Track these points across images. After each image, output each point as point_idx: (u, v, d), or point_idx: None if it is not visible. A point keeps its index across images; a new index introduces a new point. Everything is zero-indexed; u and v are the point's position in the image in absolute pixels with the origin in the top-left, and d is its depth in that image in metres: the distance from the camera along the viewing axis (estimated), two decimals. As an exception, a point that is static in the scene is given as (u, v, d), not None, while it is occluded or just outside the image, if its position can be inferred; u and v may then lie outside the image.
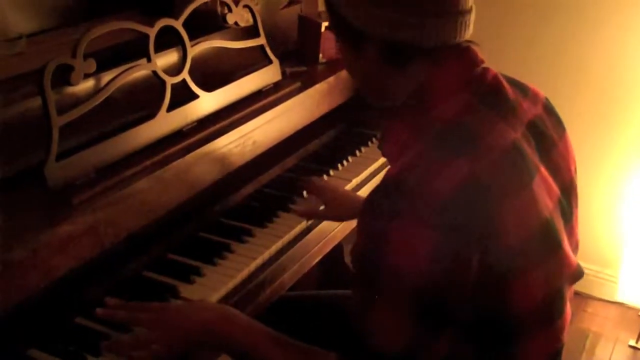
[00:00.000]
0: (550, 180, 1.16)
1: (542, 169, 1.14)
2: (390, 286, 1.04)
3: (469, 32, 1.14)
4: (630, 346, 2.74)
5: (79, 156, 1.35)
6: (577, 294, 2.83)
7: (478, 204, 1.02)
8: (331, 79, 1.97)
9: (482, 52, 1.17)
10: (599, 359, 2.66)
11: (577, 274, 1.23)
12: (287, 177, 1.88)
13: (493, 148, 1.07)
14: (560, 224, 1.15)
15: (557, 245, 1.13)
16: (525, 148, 1.12)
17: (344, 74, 2.00)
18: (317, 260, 1.73)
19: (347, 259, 2.53)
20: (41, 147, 1.34)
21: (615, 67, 2.64)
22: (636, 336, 2.74)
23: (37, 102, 1.39)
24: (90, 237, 1.30)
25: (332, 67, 2.04)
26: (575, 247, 1.26)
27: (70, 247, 1.26)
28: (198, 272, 1.47)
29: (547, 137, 1.20)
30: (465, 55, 1.14)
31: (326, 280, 2.39)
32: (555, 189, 1.17)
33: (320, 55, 2.06)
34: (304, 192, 1.78)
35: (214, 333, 1.25)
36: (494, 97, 1.14)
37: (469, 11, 1.12)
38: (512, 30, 2.74)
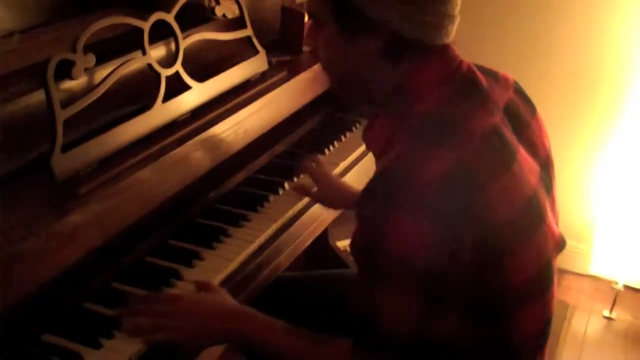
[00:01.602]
0: (529, 158, 1.23)
1: (521, 149, 1.22)
2: (394, 271, 1.10)
3: (453, 35, 1.21)
4: (605, 317, 2.86)
5: (82, 148, 1.39)
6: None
7: (466, 188, 1.09)
8: (315, 67, 2.02)
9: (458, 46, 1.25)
10: (575, 329, 2.77)
11: (561, 244, 1.32)
12: (277, 163, 1.94)
13: (475, 135, 1.14)
14: (543, 198, 1.23)
15: (542, 219, 1.21)
16: (504, 131, 1.19)
17: (327, 62, 2.06)
18: (309, 241, 1.80)
19: (332, 242, 2.60)
20: (41, 141, 1.39)
21: (581, 52, 2.76)
22: (610, 307, 2.86)
23: (35, 97, 1.44)
24: (96, 225, 1.35)
25: (315, 56, 2.09)
26: (556, 218, 1.34)
27: (78, 235, 1.31)
28: (198, 256, 1.53)
29: (521, 118, 1.27)
30: (446, 52, 1.22)
31: (312, 262, 2.46)
32: (535, 165, 1.25)
33: (304, 44, 2.11)
34: (300, 175, 1.84)
35: (235, 330, 1.32)
36: (470, 87, 1.21)
37: (456, 17, 1.20)
38: (486, 22, 2.84)
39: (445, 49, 1.21)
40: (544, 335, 1.29)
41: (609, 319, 2.85)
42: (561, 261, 2.89)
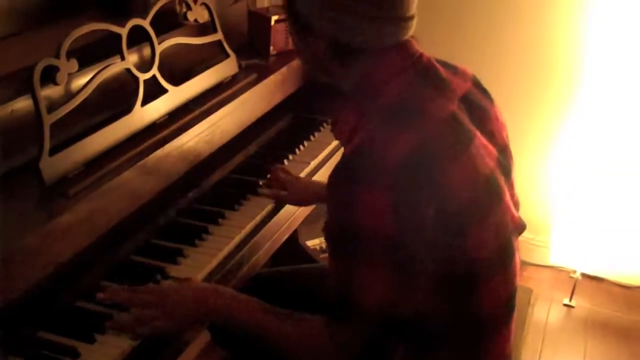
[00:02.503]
0: (487, 143, 1.33)
1: (478, 134, 1.31)
2: (363, 246, 1.19)
3: (410, 33, 1.29)
4: (565, 304, 2.97)
5: (68, 151, 1.44)
6: (513, 260, 3.05)
7: (426, 167, 1.18)
8: (284, 69, 2.09)
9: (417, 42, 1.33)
10: (537, 317, 2.88)
11: (521, 227, 1.43)
12: (250, 163, 2.00)
13: (434, 119, 1.24)
14: (501, 180, 1.33)
15: (500, 197, 1.31)
16: (461, 117, 1.29)
17: (294, 64, 2.13)
18: (285, 237, 1.86)
19: (302, 240, 2.67)
20: (28, 145, 1.43)
21: (531, 47, 2.90)
22: (569, 295, 2.97)
23: (19, 103, 1.48)
24: (86, 225, 1.39)
25: (283, 59, 2.16)
26: (516, 203, 1.43)
27: (69, 234, 1.35)
28: (182, 254, 1.58)
29: (479, 107, 1.37)
30: (403, 47, 1.30)
31: (283, 261, 2.52)
32: (493, 150, 1.34)
33: (272, 47, 2.17)
34: (268, 175, 1.90)
35: (209, 306, 1.38)
36: (429, 77, 1.31)
37: (412, 17, 1.28)
38: (441, 20, 2.95)
39: (401, 46, 1.29)
40: (509, 308, 1.39)
41: (568, 306, 2.96)
42: (521, 253, 3.04)
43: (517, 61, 2.94)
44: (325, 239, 1.29)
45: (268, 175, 1.90)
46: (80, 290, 1.43)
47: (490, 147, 1.34)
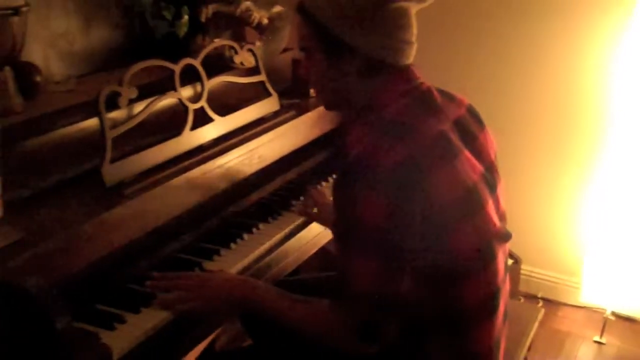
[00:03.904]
0: (474, 160, 1.57)
1: (466, 152, 1.56)
2: (359, 236, 1.45)
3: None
4: (595, 341, 3.11)
5: (126, 161, 1.76)
6: (547, 300, 3.25)
7: (414, 175, 1.43)
8: (321, 108, 2.39)
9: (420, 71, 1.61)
10: (568, 353, 3.04)
11: (505, 235, 1.64)
12: (286, 187, 2.30)
13: (425, 136, 1.50)
14: (484, 192, 1.56)
15: (481, 206, 1.54)
16: (450, 136, 1.54)
17: (331, 105, 2.43)
18: (312, 251, 2.13)
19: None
20: (93, 157, 1.75)
21: (562, 91, 3.13)
22: (599, 333, 3.12)
23: (87, 124, 1.82)
24: (137, 220, 1.70)
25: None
26: (502, 215, 1.66)
27: (122, 226, 1.66)
28: (218, 253, 1.87)
29: (469, 131, 1.63)
30: (407, 72, 1.58)
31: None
32: (479, 166, 1.58)
33: (311, 90, 2.48)
34: (301, 197, 2.19)
35: (238, 293, 1.66)
36: (425, 101, 1.58)
37: (414, 42, 1.57)
38: (478, 67, 3.22)
39: (406, 70, 1.57)
40: (491, 304, 1.59)
41: (599, 343, 3.10)
42: (555, 293, 3.22)
43: (547, 103, 3.16)
44: (333, 234, 1.56)
45: (301, 197, 2.18)
46: (133, 275, 1.72)
47: (477, 163, 1.58)
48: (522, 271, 3.22)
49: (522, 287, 3.26)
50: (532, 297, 3.28)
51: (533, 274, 3.34)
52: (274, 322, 1.63)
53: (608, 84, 3.04)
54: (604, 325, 3.11)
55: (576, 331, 3.18)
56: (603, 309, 3.19)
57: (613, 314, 3.17)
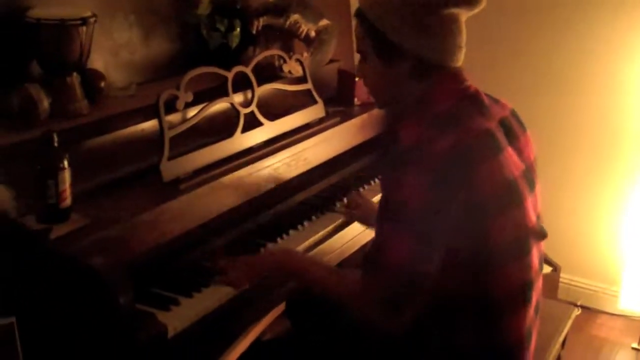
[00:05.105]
0: (515, 157, 1.67)
1: (509, 149, 1.65)
2: (400, 217, 1.55)
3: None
4: (633, 348, 3.17)
5: (182, 159, 1.92)
6: (586, 308, 3.31)
7: (459, 164, 1.53)
8: (364, 115, 2.54)
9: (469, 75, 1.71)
10: (605, 359, 3.09)
11: (541, 233, 1.73)
12: (330, 189, 2.44)
13: (472, 130, 1.60)
14: (524, 188, 1.65)
15: (520, 201, 1.63)
16: (496, 133, 1.64)
17: (375, 112, 2.57)
18: (354, 249, 2.26)
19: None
20: (152, 154, 1.91)
21: (613, 93, 3.19)
22: (637, 340, 3.17)
23: (147, 125, 1.99)
24: (191, 212, 1.86)
25: (365, 108, 2.60)
26: (538, 215, 1.75)
27: (178, 217, 1.81)
28: (264, 247, 2.02)
29: (513, 131, 1.72)
30: (457, 74, 1.68)
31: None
32: (520, 164, 1.67)
33: (355, 99, 2.62)
34: (344, 199, 2.32)
35: (279, 258, 1.87)
36: (474, 101, 1.68)
37: (464, 47, 1.68)
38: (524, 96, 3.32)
39: (456, 72, 1.68)
40: (523, 296, 1.68)
41: (636, 349, 3.15)
42: (594, 301, 3.28)
43: (595, 117, 3.23)
44: (377, 213, 1.65)
45: (343, 199, 2.31)
46: (187, 262, 1.88)
47: (518, 161, 1.68)
48: (561, 279, 3.30)
49: (562, 295, 3.32)
50: (571, 305, 3.33)
51: (572, 282, 3.40)
52: (316, 312, 1.77)
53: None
54: (642, 333, 3.17)
55: (614, 338, 3.23)
56: (641, 316, 3.25)
57: (651, 321, 3.23)
